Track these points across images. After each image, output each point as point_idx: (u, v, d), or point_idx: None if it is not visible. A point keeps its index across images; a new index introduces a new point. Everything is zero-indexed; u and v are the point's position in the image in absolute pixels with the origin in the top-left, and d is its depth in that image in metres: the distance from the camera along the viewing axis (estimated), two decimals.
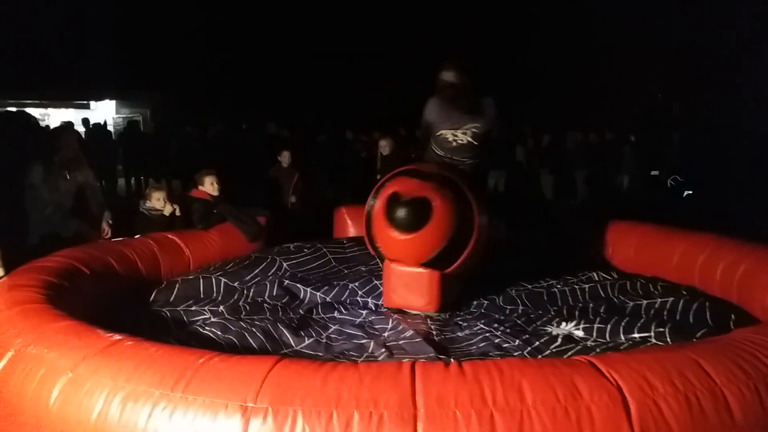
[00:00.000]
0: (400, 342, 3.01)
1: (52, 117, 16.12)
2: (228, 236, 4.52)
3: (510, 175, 10.43)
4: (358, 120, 12.57)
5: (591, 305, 3.54)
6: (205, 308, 3.37)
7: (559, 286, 3.94)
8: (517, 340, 3.00)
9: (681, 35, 14.18)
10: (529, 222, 5.06)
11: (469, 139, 3.74)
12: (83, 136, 9.99)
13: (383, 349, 2.89)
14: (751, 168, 8.58)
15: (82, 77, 15.41)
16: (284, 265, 4.15)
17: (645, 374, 1.80)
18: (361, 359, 2.80)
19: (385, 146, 7.21)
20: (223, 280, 3.78)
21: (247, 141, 10.36)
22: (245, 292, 3.73)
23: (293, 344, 2.95)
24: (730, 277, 3.50)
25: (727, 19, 13.37)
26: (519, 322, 3.37)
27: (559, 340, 2.99)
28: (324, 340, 3.03)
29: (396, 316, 3.43)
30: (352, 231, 5.06)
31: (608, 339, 2.97)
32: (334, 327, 3.24)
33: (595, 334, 3.03)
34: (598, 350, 2.82)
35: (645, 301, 3.48)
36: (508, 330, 3.17)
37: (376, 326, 3.29)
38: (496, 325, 3.27)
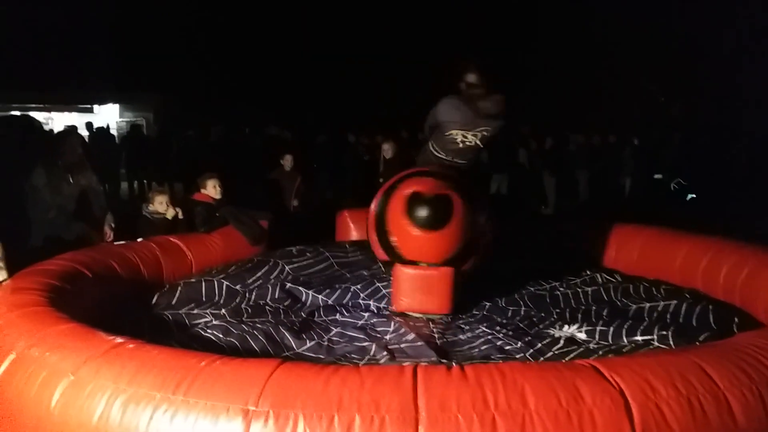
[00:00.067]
0: (402, 345, 3.01)
1: (56, 121, 16.17)
2: (230, 239, 4.52)
3: (512, 177, 10.44)
4: (360, 121, 12.58)
5: (594, 308, 3.53)
6: (207, 311, 3.37)
7: (561, 288, 3.93)
8: (520, 342, 2.99)
9: (681, 35, 14.18)
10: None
11: (477, 141, 3.74)
12: (86, 140, 10.03)
13: (385, 352, 2.88)
14: (751, 168, 8.57)
15: (85, 80, 15.46)
16: (286, 268, 4.14)
17: (648, 378, 1.80)
18: (363, 362, 2.80)
19: (387, 149, 7.20)
20: (225, 283, 3.78)
21: (249, 143, 10.37)
22: (247, 295, 3.73)
23: (295, 347, 2.95)
24: (733, 280, 3.50)
25: (727, 19, 13.36)
26: (521, 324, 3.36)
27: (562, 342, 2.98)
28: (326, 343, 3.03)
29: (398, 319, 3.43)
30: (354, 234, 5.05)
31: (611, 342, 2.96)
32: (335, 330, 3.23)
33: (597, 336, 3.02)
34: (600, 353, 2.82)
35: (648, 304, 3.48)
36: (510, 332, 3.17)
37: (378, 329, 3.28)
38: (498, 327, 3.27)
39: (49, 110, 16.73)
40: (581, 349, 2.90)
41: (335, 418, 1.68)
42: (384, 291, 3.77)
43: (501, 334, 3.13)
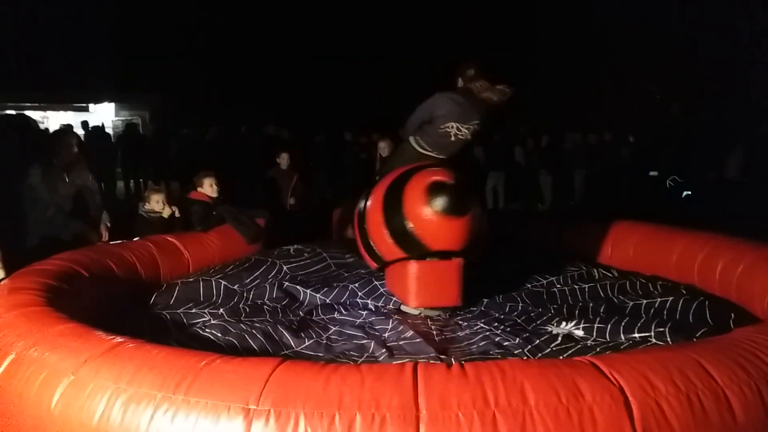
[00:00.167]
0: (401, 342, 3.02)
1: (51, 120, 16.11)
2: (227, 238, 4.52)
3: (509, 175, 10.46)
4: (357, 121, 12.57)
5: (591, 305, 3.55)
6: (205, 311, 3.36)
7: (558, 285, 3.94)
8: (518, 339, 3.00)
9: (681, 35, 14.20)
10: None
11: (469, 136, 3.75)
12: (82, 138, 10.00)
13: (384, 350, 2.89)
14: (751, 168, 8.59)
15: (81, 79, 15.41)
16: (284, 267, 4.14)
17: (647, 375, 1.80)
18: (362, 359, 2.80)
19: (384, 148, 7.20)
20: (222, 282, 3.78)
21: (246, 142, 10.36)
22: (245, 294, 3.73)
23: (294, 345, 2.95)
24: (730, 276, 3.51)
25: (727, 19, 13.39)
26: (519, 320, 3.38)
27: (559, 338, 3.00)
28: (324, 341, 3.04)
29: (396, 316, 3.44)
30: (350, 233, 5.05)
31: (608, 339, 2.98)
32: (334, 328, 3.24)
33: (595, 333, 3.03)
34: (598, 350, 2.83)
35: (645, 301, 3.49)
36: (508, 329, 3.18)
37: (377, 327, 3.29)
38: (496, 323, 3.28)
39: (44, 109, 16.67)
40: (579, 345, 2.91)
41: (336, 417, 1.68)
42: (382, 290, 3.77)
43: (499, 331, 3.14)
